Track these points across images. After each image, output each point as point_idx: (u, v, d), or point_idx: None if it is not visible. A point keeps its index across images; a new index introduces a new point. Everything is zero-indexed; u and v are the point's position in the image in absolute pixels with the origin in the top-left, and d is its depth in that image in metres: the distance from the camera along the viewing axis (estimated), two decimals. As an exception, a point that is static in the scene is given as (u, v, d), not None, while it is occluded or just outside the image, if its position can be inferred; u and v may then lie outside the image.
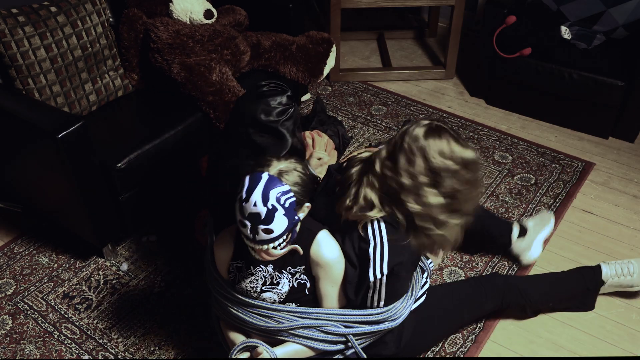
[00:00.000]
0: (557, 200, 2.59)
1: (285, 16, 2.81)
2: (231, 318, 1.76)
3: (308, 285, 1.70)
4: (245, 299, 1.71)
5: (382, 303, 1.70)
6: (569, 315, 2.10)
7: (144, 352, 2.04)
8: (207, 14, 2.58)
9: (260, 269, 1.70)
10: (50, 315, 2.17)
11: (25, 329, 2.12)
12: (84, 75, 2.42)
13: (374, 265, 1.63)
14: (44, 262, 2.38)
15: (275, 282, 1.69)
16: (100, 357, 2.03)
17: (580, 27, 3.02)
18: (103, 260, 2.37)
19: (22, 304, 2.21)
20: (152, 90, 2.63)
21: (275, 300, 1.70)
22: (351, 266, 1.69)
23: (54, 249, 2.43)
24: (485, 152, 2.88)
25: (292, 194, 1.52)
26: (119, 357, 2.02)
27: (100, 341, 2.08)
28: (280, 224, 1.52)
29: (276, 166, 1.54)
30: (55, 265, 2.36)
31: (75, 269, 2.35)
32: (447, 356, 1.99)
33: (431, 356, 2.00)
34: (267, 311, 1.70)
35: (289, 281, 1.69)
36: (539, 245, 2.25)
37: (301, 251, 1.63)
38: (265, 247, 1.55)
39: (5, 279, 2.31)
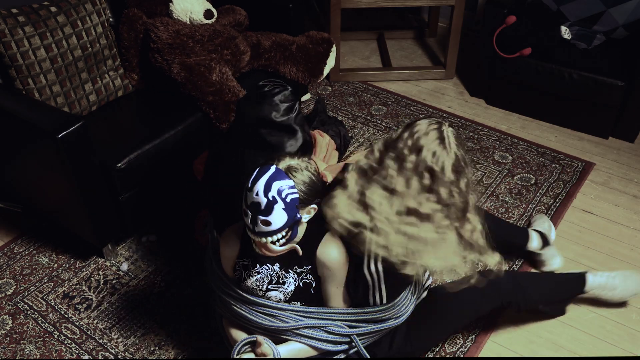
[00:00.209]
0: (557, 200, 2.59)
1: (285, 16, 2.81)
2: (235, 317, 1.76)
3: (314, 285, 1.71)
4: (251, 297, 1.71)
5: (384, 300, 1.70)
6: (569, 315, 2.10)
7: (144, 352, 2.04)
8: (207, 14, 2.58)
9: (267, 268, 1.70)
10: (50, 315, 2.17)
11: (25, 329, 2.12)
12: (84, 75, 2.42)
13: (368, 261, 1.63)
14: (44, 262, 2.38)
15: (281, 281, 1.70)
16: (100, 357, 2.03)
17: (580, 27, 3.02)
18: (103, 260, 2.37)
19: (22, 304, 2.21)
20: (152, 90, 2.63)
21: (280, 299, 1.71)
22: (352, 264, 1.69)
23: (54, 249, 2.43)
24: (485, 152, 2.88)
25: (295, 190, 1.52)
26: (119, 357, 2.02)
27: (100, 341, 2.08)
28: (279, 217, 1.52)
29: (287, 162, 1.56)
30: (55, 265, 2.36)
31: (75, 269, 2.35)
32: (447, 356, 1.99)
33: (431, 356, 2.00)
34: (272, 310, 1.70)
35: (295, 280, 1.70)
36: (557, 250, 2.28)
37: (300, 252, 1.63)
38: (264, 240, 1.56)
39: (5, 279, 2.31)
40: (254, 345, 1.70)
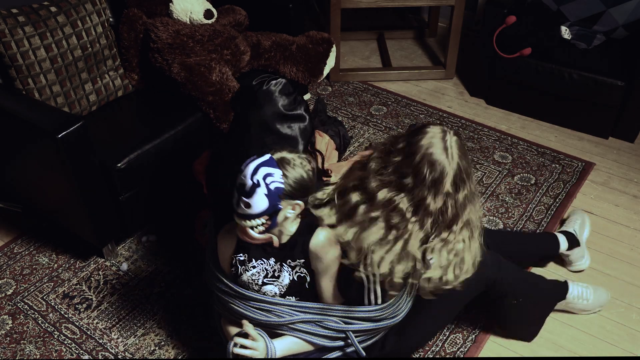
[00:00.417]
0: (557, 200, 2.59)
1: (285, 16, 2.81)
2: (232, 314, 1.77)
3: (308, 279, 1.72)
4: (247, 293, 1.73)
5: (379, 300, 1.71)
6: (569, 315, 2.10)
7: (144, 352, 2.04)
8: (207, 14, 2.58)
9: (262, 262, 1.72)
10: (50, 315, 2.17)
11: (25, 329, 2.12)
12: (84, 75, 2.42)
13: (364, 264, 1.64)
14: (44, 262, 2.38)
15: (276, 275, 1.72)
16: (100, 357, 2.03)
17: (580, 27, 3.02)
18: (103, 260, 2.37)
19: (22, 304, 2.21)
20: (152, 90, 2.63)
21: (276, 293, 1.72)
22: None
23: (54, 249, 2.43)
24: (485, 152, 2.88)
25: (281, 180, 1.55)
26: (119, 357, 2.02)
27: (100, 341, 2.08)
28: (259, 202, 1.54)
29: (282, 154, 1.60)
30: (55, 265, 2.36)
31: (75, 269, 2.35)
32: (447, 356, 1.99)
33: (431, 356, 2.00)
34: (268, 305, 1.72)
35: (290, 274, 1.71)
36: (586, 249, 2.27)
37: (276, 242, 1.66)
38: (243, 223, 1.59)
39: (5, 279, 2.31)
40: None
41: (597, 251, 2.36)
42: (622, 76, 2.79)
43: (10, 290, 2.27)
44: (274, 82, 1.93)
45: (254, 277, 1.72)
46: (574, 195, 2.63)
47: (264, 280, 1.72)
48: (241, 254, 1.74)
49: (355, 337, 1.75)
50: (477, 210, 1.66)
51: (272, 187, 1.54)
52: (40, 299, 2.23)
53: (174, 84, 2.47)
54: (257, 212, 1.56)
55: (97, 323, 2.14)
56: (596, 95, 2.86)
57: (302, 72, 2.73)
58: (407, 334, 1.86)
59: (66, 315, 2.17)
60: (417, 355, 1.99)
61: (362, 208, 1.63)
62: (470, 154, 2.87)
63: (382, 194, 1.58)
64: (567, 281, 2.07)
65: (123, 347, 2.06)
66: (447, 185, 1.54)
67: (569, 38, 3.01)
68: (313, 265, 1.71)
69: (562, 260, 2.27)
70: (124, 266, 2.34)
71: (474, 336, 2.05)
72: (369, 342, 1.79)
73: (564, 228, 2.32)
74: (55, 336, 2.10)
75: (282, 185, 1.55)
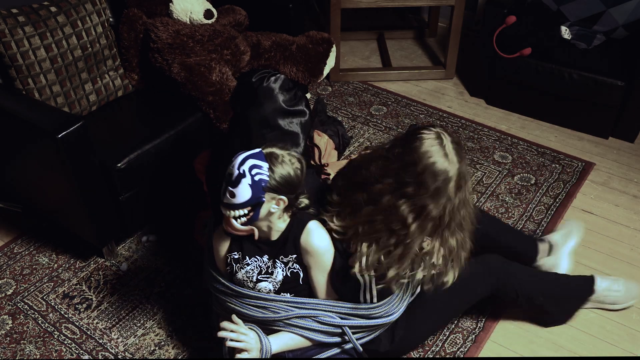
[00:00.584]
0: (557, 200, 2.59)
1: (285, 16, 2.81)
2: (229, 312, 1.78)
3: (301, 275, 1.74)
4: (243, 291, 1.75)
5: (375, 300, 1.71)
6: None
7: (144, 352, 2.04)
8: (207, 14, 2.58)
9: (256, 259, 1.74)
10: (50, 315, 2.17)
11: (25, 329, 2.12)
12: (84, 75, 2.42)
13: (360, 263, 1.64)
14: (44, 262, 2.38)
15: (270, 271, 1.74)
16: (100, 357, 2.03)
17: (580, 27, 3.02)
18: (103, 260, 2.37)
19: (22, 304, 2.21)
20: (152, 90, 2.63)
21: (270, 289, 1.74)
22: (340, 257, 1.71)
23: (54, 249, 2.43)
24: (485, 152, 2.88)
25: (266, 173, 1.58)
26: (119, 357, 2.02)
27: (100, 341, 2.08)
28: (243, 192, 1.57)
29: (272, 149, 1.63)
30: (55, 265, 2.36)
31: (75, 269, 2.35)
32: (447, 356, 1.99)
33: (431, 356, 2.00)
34: (263, 302, 1.73)
35: (283, 270, 1.73)
36: (565, 258, 2.18)
37: (257, 235, 1.68)
38: (227, 212, 1.62)
39: (5, 279, 2.31)
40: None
41: (597, 251, 2.36)
42: (622, 76, 2.79)
43: (10, 290, 2.27)
44: (273, 78, 1.94)
45: (248, 275, 1.74)
46: (574, 195, 2.63)
47: (258, 277, 1.74)
48: (235, 252, 1.77)
49: (353, 333, 1.75)
50: (470, 208, 1.67)
51: (256, 178, 1.58)
52: (40, 299, 2.23)
53: (174, 84, 2.47)
54: (240, 202, 1.59)
55: (97, 323, 2.14)
56: (596, 95, 2.86)
57: (302, 72, 2.73)
58: (415, 328, 1.87)
59: (66, 315, 2.17)
60: (417, 355, 2.00)
61: (366, 209, 1.63)
62: (470, 154, 2.87)
63: (387, 200, 1.58)
64: (593, 275, 2.07)
65: (123, 347, 2.06)
66: (449, 192, 1.54)
67: (569, 38, 3.01)
68: (305, 260, 1.72)
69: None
70: (124, 266, 2.34)
71: (474, 336, 2.05)
72: (366, 339, 1.79)
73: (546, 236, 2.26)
74: (55, 336, 2.10)
75: (267, 178, 1.59)
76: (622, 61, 2.89)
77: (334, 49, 2.78)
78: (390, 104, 3.26)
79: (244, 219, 1.62)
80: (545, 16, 3.07)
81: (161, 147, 2.29)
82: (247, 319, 1.75)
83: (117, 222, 2.27)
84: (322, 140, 2.49)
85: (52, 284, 2.29)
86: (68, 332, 2.11)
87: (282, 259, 1.73)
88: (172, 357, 2.02)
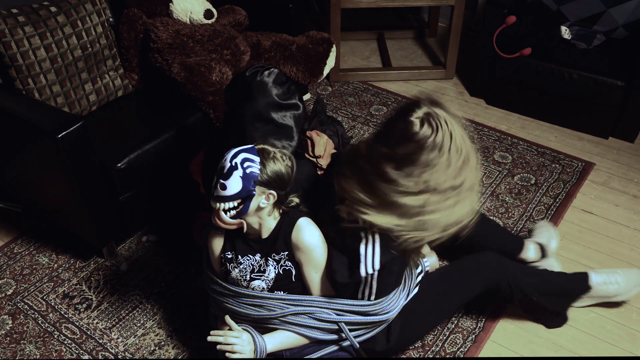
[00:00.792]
0: (557, 200, 2.59)
1: (285, 16, 2.81)
2: (225, 312, 1.78)
3: (294, 272, 1.74)
4: (238, 290, 1.76)
5: (372, 297, 1.71)
6: (570, 315, 2.10)
7: (144, 352, 2.04)
8: (207, 14, 2.58)
9: (248, 258, 1.75)
10: (50, 315, 2.17)
11: (25, 329, 2.12)
12: (84, 75, 2.42)
13: (365, 262, 1.64)
14: (44, 262, 2.38)
15: (262, 269, 1.74)
16: (100, 357, 2.03)
17: (580, 27, 3.02)
18: (103, 260, 2.37)
19: (22, 304, 2.21)
20: (152, 90, 2.63)
21: (263, 288, 1.75)
22: (339, 257, 1.70)
23: (54, 249, 2.43)
24: (485, 152, 2.88)
25: (258, 167, 1.61)
26: (119, 357, 2.02)
27: (100, 341, 2.08)
28: (234, 184, 1.60)
29: (265, 146, 1.67)
30: (55, 265, 2.36)
31: (75, 269, 2.35)
32: (447, 356, 1.99)
33: (431, 356, 2.00)
34: (259, 300, 1.74)
35: (275, 268, 1.74)
36: (555, 261, 2.22)
37: (245, 228, 1.69)
38: (218, 205, 1.63)
39: (5, 279, 2.31)
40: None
41: (597, 251, 2.36)
42: (622, 76, 2.79)
43: (10, 290, 2.27)
44: (267, 72, 1.95)
45: (241, 274, 1.76)
46: (574, 195, 2.63)
47: (251, 276, 1.75)
48: (229, 252, 1.78)
49: (350, 330, 1.75)
50: (474, 169, 1.62)
51: (248, 171, 1.61)
52: (40, 299, 2.23)
53: (174, 84, 2.47)
54: (230, 194, 1.61)
55: (97, 323, 2.14)
56: (596, 95, 2.86)
57: (302, 72, 2.73)
58: (412, 326, 1.87)
59: (66, 315, 2.17)
60: (417, 355, 2.00)
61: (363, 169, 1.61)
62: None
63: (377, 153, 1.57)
64: (586, 272, 2.06)
65: (123, 347, 2.06)
66: (455, 162, 1.53)
67: (569, 38, 3.01)
68: (297, 257, 1.73)
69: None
70: (124, 266, 2.34)
71: (474, 336, 2.05)
72: (364, 337, 1.79)
73: (533, 238, 2.26)
74: (55, 336, 2.10)
75: (258, 172, 1.61)
76: (622, 61, 2.89)
77: (334, 49, 2.78)
78: (390, 104, 3.26)
79: (233, 212, 1.64)
80: (545, 16, 3.07)
81: (161, 147, 2.29)
82: (243, 319, 1.76)
83: (117, 222, 2.27)
84: (322, 140, 2.49)
85: (52, 284, 2.29)
86: (68, 332, 2.11)
87: (274, 256, 1.74)
88: (172, 357, 2.02)
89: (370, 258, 1.64)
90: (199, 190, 2.25)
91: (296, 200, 1.78)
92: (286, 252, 1.73)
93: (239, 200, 1.63)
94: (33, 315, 2.17)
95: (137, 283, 2.28)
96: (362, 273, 1.65)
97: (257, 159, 1.62)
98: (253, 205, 1.64)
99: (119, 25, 2.57)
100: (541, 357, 2.00)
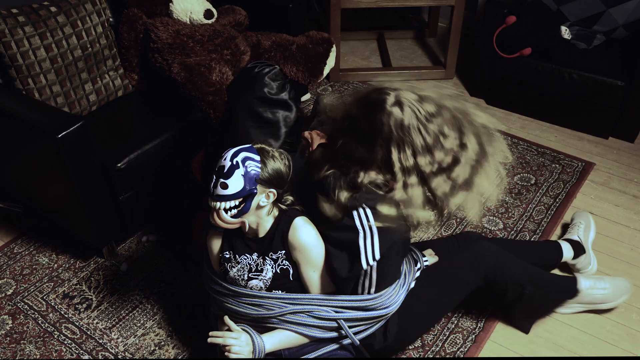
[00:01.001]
0: (557, 200, 2.59)
1: (285, 16, 2.81)
2: (225, 312, 1.79)
3: (291, 271, 1.74)
4: (238, 289, 1.76)
5: (372, 289, 1.71)
6: (569, 315, 2.10)
7: (144, 352, 2.04)
8: (207, 14, 2.58)
9: (245, 257, 1.76)
10: (50, 315, 2.17)
11: (25, 329, 2.12)
12: (84, 75, 2.42)
13: (365, 254, 1.65)
14: (44, 262, 2.38)
15: (259, 269, 1.75)
16: (100, 357, 2.03)
17: (580, 27, 3.02)
18: (103, 260, 2.37)
19: (22, 304, 2.21)
20: (152, 90, 2.63)
21: (261, 287, 1.75)
22: (338, 253, 1.70)
23: (54, 249, 2.43)
24: (485, 152, 2.88)
25: (259, 165, 1.62)
26: (119, 357, 2.02)
27: (100, 341, 2.08)
28: (236, 182, 1.60)
29: (263, 145, 1.68)
30: (55, 265, 2.36)
31: (75, 269, 2.35)
32: (447, 356, 1.99)
33: (431, 356, 2.00)
34: (258, 299, 1.74)
35: (272, 267, 1.74)
36: (593, 254, 2.24)
37: (247, 226, 1.69)
38: (218, 204, 1.63)
39: (5, 279, 2.31)
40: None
41: (597, 251, 2.35)
42: (622, 76, 2.79)
43: (10, 290, 2.27)
44: (268, 68, 1.97)
45: (239, 273, 1.76)
46: (574, 195, 2.63)
47: (249, 275, 1.75)
48: (227, 252, 1.78)
49: (349, 327, 1.75)
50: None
51: (249, 169, 1.61)
52: (40, 299, 2.23)
53: (174, 84, 2.47)
54: (232, 193, 1.61)
55: (97, 323, 2.14)
56: (596, 95, 2.86)
57: (302, 72, 2.73)
58: (409, 322, 1.86)
59: (66, 315, 2.17)
60: (417, 355, 2.00)
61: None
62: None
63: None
64: (575, 276, 2.07)
65: (123, 347, 2.06)
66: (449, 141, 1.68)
67: (569, 38, 3.01)
68: (294, 256, 1.73)
69: (569, 268, 2.24)
70: (124, 266, 2.34)
71: (474, 336, 2.05)
72: (364, 334, 1.79)
73: (567, 235, 2.29)
74: (55, 336, 2.10)
75: (259, 170, 1.63)
76: (622, 61, 2.89)
77: (334, 49, 2.78)
78: (390, 104, 3.25)
79: (234, 211, 1.64)
80: (545, 16, 3.07)
81: (161, 147, 2.29)
82: (242, 318, 1.76)
83: (117, 222, 2.27)
84: (322, 140, 2.49)
85: (52, 284, 2.29)
86: (68, 332, 2.11)
87: (271, 255, 1.74)
88: (172, 357, 2.02)
89: (369, 249, 1.64)
90: (201, 188, 2.25)
91: (290, 198, 1.79)
92: (283, 252, 1.73)
93: (240, 199, 1.63)
94: (33, 315, 2.17)
95: (137, 283, 2.28)
96: (364, 265, 1.65)
97: (257, 157, 1.63)
98: (254, 203, 1.65)
99: (119, 25, 2.57)
100: (541, 357, 2.00)
